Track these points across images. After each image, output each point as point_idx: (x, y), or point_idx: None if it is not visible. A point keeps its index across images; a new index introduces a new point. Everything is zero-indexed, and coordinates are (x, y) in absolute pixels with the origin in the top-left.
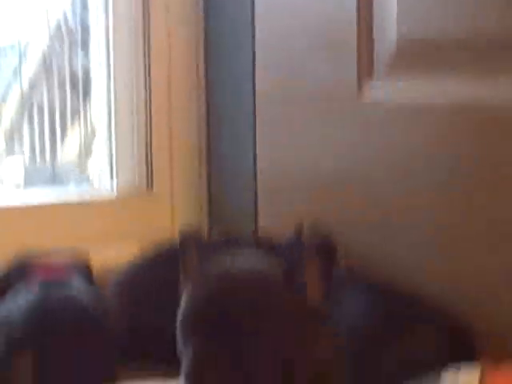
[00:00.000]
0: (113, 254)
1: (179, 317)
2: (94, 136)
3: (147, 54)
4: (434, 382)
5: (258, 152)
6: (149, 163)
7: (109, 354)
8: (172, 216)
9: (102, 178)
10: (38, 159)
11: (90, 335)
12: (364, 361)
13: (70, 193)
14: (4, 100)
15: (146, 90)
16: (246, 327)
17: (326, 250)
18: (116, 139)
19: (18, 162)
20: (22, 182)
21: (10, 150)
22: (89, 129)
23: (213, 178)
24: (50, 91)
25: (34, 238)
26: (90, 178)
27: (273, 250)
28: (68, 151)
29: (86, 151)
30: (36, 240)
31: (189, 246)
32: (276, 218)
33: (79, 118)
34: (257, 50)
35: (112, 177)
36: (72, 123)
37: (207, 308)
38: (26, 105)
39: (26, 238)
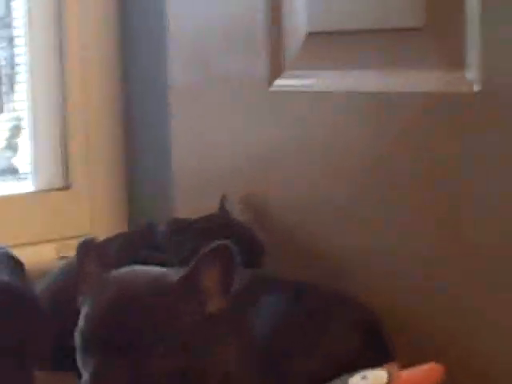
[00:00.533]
0: (32, 251)
1: (75, 335)
2: (20, 131)
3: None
4: (344, 382)
5: (172, 146)
6: (65, 160)
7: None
8: (91, 212)
9: (24, 174)
10: None
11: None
12: (277, 360)
13: None
14: None
15: (62, 87)
16: (143, 343)
17: (224, 254)
18: (35, 136)
19: None
20: None
21: None
22: (14, 124)
23: (130, 174)
24: None
25: None
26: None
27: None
28: None
29: (11, 146)
30: None
31: (87, 257)
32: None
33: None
34: (170, 46)
35: (33, 173)
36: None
37: (101, 328)
38: None
39: None
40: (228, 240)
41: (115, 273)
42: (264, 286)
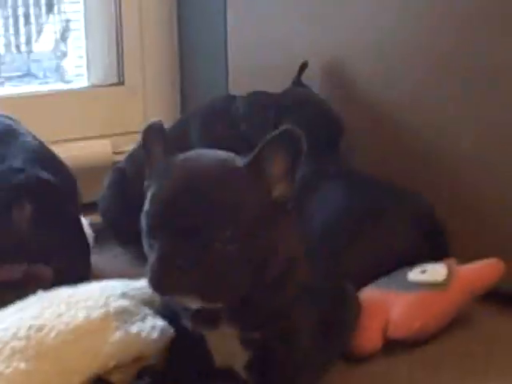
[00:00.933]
0: (87, 146)
1: (142, 219)
2: (69, 29)
3: None
4: (402, 276)
5: (228, 32)
6: (120, 57)
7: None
8: (144, 108)
9: (75, 71)
10: (13, 50)
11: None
12: (339, 250)
13: (43, 85)
14: None
15: None
16: (211, 226)
17: (290, 141)
18: (88, 33)
19: None
20: None
21: None
22: (63, 22)
23: (184, 71)
24: None
25: None
26: (65, 70)
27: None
28: (43, 43)
29: (60, 44)
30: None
31: (153, 140)
32: None
33: (53, 10)
34: None
35: (86, 69)
36: (47, 14)
37: (168, 211)
38: None
39: None
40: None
41: (181, 156)
42: (325, 175)
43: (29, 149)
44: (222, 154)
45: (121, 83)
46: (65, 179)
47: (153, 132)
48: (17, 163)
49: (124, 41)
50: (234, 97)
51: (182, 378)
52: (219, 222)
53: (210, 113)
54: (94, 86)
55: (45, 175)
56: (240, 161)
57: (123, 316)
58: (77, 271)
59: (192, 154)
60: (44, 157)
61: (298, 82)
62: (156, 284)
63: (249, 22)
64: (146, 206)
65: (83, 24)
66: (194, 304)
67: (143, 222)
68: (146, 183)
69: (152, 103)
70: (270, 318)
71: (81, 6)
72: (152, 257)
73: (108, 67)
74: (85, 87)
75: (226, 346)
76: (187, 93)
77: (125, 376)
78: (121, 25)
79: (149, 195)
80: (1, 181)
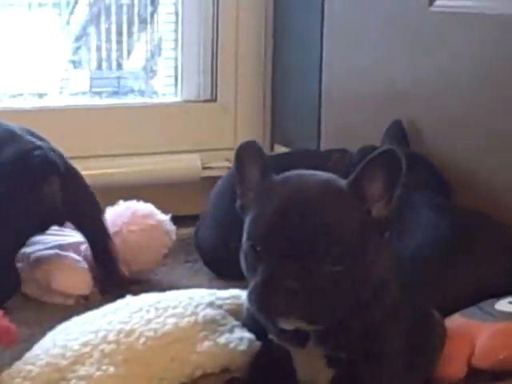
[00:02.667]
0: (176, 160)
1: (244, 241)
2: (160, 49)
3: None
4: (490, 306)
5: (323, 66)
6: (214, 73)
7: None
8: (235, 126)
9: (166, 89)
10: (104, 68)
11: None
12: (431, 272)
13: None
14: (72, 11)
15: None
16: (317, 247)
17: (391, 161)
18: (182, 49)
19: (85, 72)
20: (87, 90)
21: (77, 60)
22: (155, 39)
23: (277, 91)
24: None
25: (100, 137)
26: (155, 89)
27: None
28: (134, 61)
29: (151, 62)
30: (101, 140)
31: (248, 160)
32: (339, 137)
33: (146, 27)
34: None
35: (177, 86)
36: (139, 32)
37: (274, 232)
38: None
39: (95, 137)
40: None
41: (282, 177)
42: (416, 200)
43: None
44: (322, 174)
45: (213, 100)
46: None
47: (248, 151)
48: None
49: (219, 59)
50: (344, 150)
51: None
52: (325, 243)
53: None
54: (186, 102)
55: (57, 149)
56: (341, 181)
57: (211, 326)
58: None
59: (292, 174)
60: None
61: (404, 142)
62: (261, 306)
63: (344, 48)
64: (249, 228)
65: (178, 38)
66: (296, 325)
67: (245, 244)
68: (238, 203)
69: (243, 121)
70: (358, 339)
71: (173, 26)
72: (256, 278)
73: (201, 84)
74: (177, 102)
75: (311, 363)
76: (278, 113)
77: None
78: (217, 42)
79: (250, 217)
80: (26, 159)
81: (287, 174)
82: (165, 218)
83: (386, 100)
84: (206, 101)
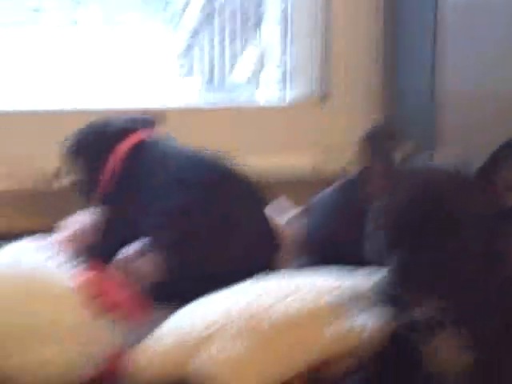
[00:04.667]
0: (288, 160)
1: (373, 228)
2: (264, 54)
3: None
4: None
5: (437, 66)
6: (326, 71)
7: None
8: (348, 125)
9: (275, 90)
10: (212, 79)
11: None
12: None
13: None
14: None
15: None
16: (448, 233)
17: None
18: (294, 46)
19: (194, 83)
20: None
21: (186, 71)
22: (261, 45)
23: (390, 90)
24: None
25: (210, 139)
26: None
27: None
28: (241, 70)
29: (258, 67)
30: (210, 141)
31: (375, 146)
32: (455, 138)
33: (254, 30)
34: None
35: (285, 88)
36: (244, 44)
37: (407, 222)
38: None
39: (207, 138)
40: None
41: (411, 165)
42: None
43: None
44: (450, 163)
45: (325, 98)
46: None
47: (375, 138)
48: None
49: (332, 56)
50: None
51: (393, 378)
52: (456, 232)
53: None
54: (296, 101)
55: None
56: (470, 169)
57: (338, 310)
58: None
59: (421, 163)
60: None
61: None
62: (394, 295)
63: (462, 42)
64: (379, 217)
65: (287, 41)
66: (431, 314)
67: (375, 232)
68: (364, 191)
69: (355, 120)
70: (495, 325)
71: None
72: (387, 268)
73: (313, 81)
74: (289, 102)
75: (443, 351)
76: (392, 112)
77: (337, 371)
78: (328, 39)
79: (379, 205)
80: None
81: (415, 162)
82: None
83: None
84: (317, 99)
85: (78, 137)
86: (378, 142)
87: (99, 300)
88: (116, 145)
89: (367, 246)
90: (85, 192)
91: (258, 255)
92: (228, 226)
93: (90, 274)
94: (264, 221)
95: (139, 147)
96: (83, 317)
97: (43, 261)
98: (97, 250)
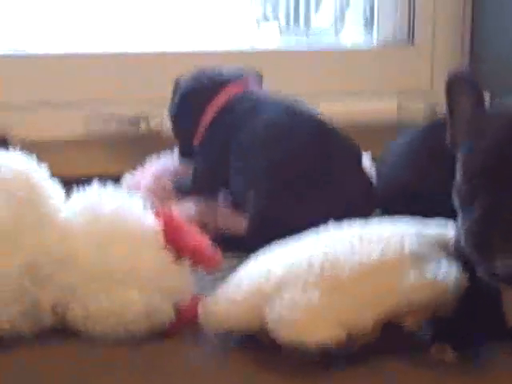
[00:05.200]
0: (373, 101)
1: (458, 175)
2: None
3: None
4: None
5: None
6: (411, 14)
7: None
8: (432, 69)
9: (359, 34)
10: (292, 25)
11: None
12: None
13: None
14: None
15: None
16: None
17: None
18: None
19: (273, 28)
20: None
21: (265, 16)
22: None
23: (475, 34)
24: None
25: (289, 81)
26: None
27: None
28: (322, 16)
29: (341, 11)
30: (292, 83)
31: (460, 89)
32: None
33: None
34: None
35: (371, 30)
36: None
37: (495, 168)
38: None
39: (289, 80)
40: None
41: (497, 109)
42: None
43: None
44: None
45: (410, 42)
46: None
47: (460, 81)
48: None
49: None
50: None
51: (469, 332)
52: None
53: None
54: (381, 45)
55: None
56: None
57: (418, 258)
58: None
59: (508, 107)
60: None
61: None
62: (478, 243)
63: None
64: (464, 163)
65: None
66: None
67: (460, 179)
68: (448, 137)
69: (440, 64)
70: None
71: None
72: (471, 215)
73: (397, 26)
74: (372, 45)
75: None
76: (477, 59)
77: (416, 321)
78: None
79: (464, 152)
80: None
81: (503, 106)
82: None
83: None
84: (402, 44)
85: (179, 87)
86: (466, 84)
87: (178, 245)
88: (213, 97)
89: (453, 193)
90: (182, 143)
91: (357, 214)
92: (329, 183)
93: (169, 219)
94: (363, 178)
95: (235, 99)
96: (163, 263)
97: (124, 205)
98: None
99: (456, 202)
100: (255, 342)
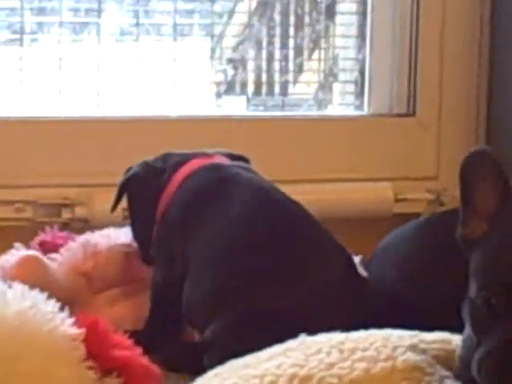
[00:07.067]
0: (365, 187)
1: (473, 287)
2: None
3: None
4: None
5: None
6: (411, 82)
7: None
8: (438, 148)
9: (349, 100)
10: (263, 92)
11: None
12: None
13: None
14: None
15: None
16: None
17: None
18: (370, 52)
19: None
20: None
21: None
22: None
23: (492, 105)
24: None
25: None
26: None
27: None
28: (304, 82)
29: (326, 80)
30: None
31: (479, 175)
32: None
33: (320, 44)
34: None
35: (363, 97)
36: (311, 51)
37: None
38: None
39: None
40: None
41: None
42: None
43: None
44: None
45: (410, 114)
46: None
47: (480, 163)
48: None
49: (418, 66)
50: None
51: None
52: None
53: None
54: (374, 116)
55: None
56: None
57: (414, 374)
58: None
59: None
60: None
61: None
62: (496, 377)
63: None
64: (481, 272)
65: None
66: None
67: (475, 292)
68: (460, 234)
69: (449, 141)
70: None
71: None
72: (489, 340)
73: (394, 95)
74: (363, 116)
75: None
76: (494, 132)
77: None
78: (416, 42)
79: (483, 256)
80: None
81: None
82: None
83: None
84: (400, 115)
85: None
86: (484, 167)
87: (103, 359)
88: (173, 174)
89: (464, 306)
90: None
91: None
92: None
93: (93, 327)
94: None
95: (194, 173)
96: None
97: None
98: None
99: (467, 317)
100: None
